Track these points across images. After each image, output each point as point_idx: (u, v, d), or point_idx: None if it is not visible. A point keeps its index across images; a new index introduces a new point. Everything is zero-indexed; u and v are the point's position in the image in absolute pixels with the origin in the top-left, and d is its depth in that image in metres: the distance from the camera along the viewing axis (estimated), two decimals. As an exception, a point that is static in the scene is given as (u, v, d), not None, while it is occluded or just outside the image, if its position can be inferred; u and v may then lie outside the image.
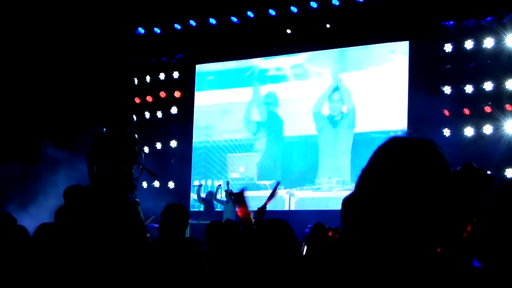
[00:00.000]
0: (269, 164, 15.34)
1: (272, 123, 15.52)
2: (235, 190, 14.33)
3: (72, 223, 5.78)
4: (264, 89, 15.71)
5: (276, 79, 15.61)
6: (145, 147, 15.73)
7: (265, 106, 15.66)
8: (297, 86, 15.33)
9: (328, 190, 14.38)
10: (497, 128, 12.61)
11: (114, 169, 8.89)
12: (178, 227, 5.00)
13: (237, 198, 5.15)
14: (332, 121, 14.75)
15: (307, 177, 14.73)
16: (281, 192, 14.88)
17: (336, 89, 14.82)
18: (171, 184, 15.97)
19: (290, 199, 14.80)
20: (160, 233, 5.03)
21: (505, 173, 12.28)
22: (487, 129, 12.70)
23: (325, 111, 14.88)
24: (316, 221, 7.62)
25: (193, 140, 16.28)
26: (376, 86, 14.29)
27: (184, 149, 16.21)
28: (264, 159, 15.43)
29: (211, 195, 15.14)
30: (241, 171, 15.56)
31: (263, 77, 15.74)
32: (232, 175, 15.57)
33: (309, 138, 14.98)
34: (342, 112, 14.66)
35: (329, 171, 14.55)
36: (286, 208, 14.71)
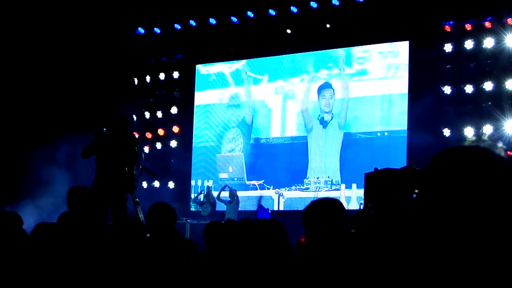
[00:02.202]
0: (258, 164, 15.38)
1: (259, 124, 15.54)
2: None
3: (73, 224, 5.78)
4: (251, 90, 15.74)
5: (260, 80, 15.67)
6: (145, 147, 15.74)
7: (254, 106, 15.67)
8: (286, 86, 15.34)
9: (316, 190, 14.41)
10: (497, 128, 12.60)
11: (116, 169, 8.90)
12: (165, 224, 5.08)
13: None
14: (323, 121, 14.76)
15: (296, 177, 14.77)
16: (270, 192, 14.96)
17: (330, 88, 14.81)
18: (171, 184, 15.97)
19: (279, 199, 14.84)
20: (150, 231, 5.12)
21: (505, 173, 12.26)
22: (487, 129, 12.70)
23: (316, 111, 14.90)
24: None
25: (193, 140, 16.30)
26: (375, 86, 14.29)
27: (184, 149, 16.22)
28: (252, 159, 15.46)
29: (210, 196, 15.22)
30: (230, 171, 15.63)
31: (250, 78, 15.79)
32: (221, 175, 15.65)
33: (298, 139, 15.01)
34: (333, 113, 14.67)
35: (318, 171, 14.57)
36: (276, 208, 14.74)
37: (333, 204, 3.36)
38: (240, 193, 14.66)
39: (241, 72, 15.94)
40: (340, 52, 14.79)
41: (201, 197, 15.46)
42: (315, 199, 3.50)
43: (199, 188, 15.74)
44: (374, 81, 14.31)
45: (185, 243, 5.17)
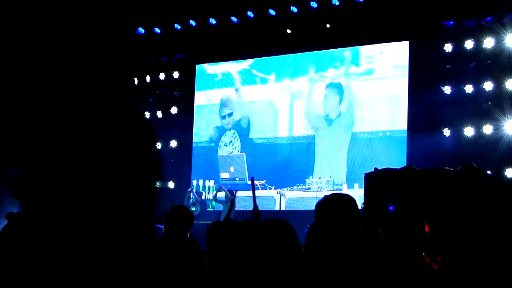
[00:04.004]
0: (259, 164, 15.36)
1: (263, 123, 15.53)
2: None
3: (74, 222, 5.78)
4: (255, 90, 15.73)
5: (265, 79, 15.66)
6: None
7: (256, 106, 15.66)
8: (293, 86, 15.33)
9: (318, 190, 14.38)
10: (497, 128, 12.61)
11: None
12: (183, 228, 5.06)
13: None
14: (328, 119, 14.74)
15: (298, 177, 14.75)
16: (272, 192, 14.94)
17: (334, 87, 14.81)
18: (171, 184, 15.97)
19: (281, 199, 14.82)
20: (165, 234, 5.09)
21: (505, 173, 12.28)
22: (487, 129, 12.70)
23: (321, 110, 14.88)
24: (304, 221, 7.63)
25: (193, 140, 16.30)
26: (376, 85, 14.29)
27: (184, 149, 16.22)
28: (254, 159, 15.44)
29: (200, 195, 15.27)
30: (231, 171, 15.63)
31: (254, 78, 15.78)
32: (223, 175, 15.64)
33: (301, 138, 14.99)
34: (340, 112, 14.65)
35: (322, 171, 14.55)
36: (277, 208, 14.73)
37: (347, 200, 3.45)
38: (241, 193, 14.65)
39: (247, 71, 15.91)
40: (346, 51, 14.77)
41: (191, 196, 15.46)
42: (330, 193, 3.58)
43: (200, 188, 15.74)
44: (374, 81, 14.30)
45: (188, 241, 5.18)
